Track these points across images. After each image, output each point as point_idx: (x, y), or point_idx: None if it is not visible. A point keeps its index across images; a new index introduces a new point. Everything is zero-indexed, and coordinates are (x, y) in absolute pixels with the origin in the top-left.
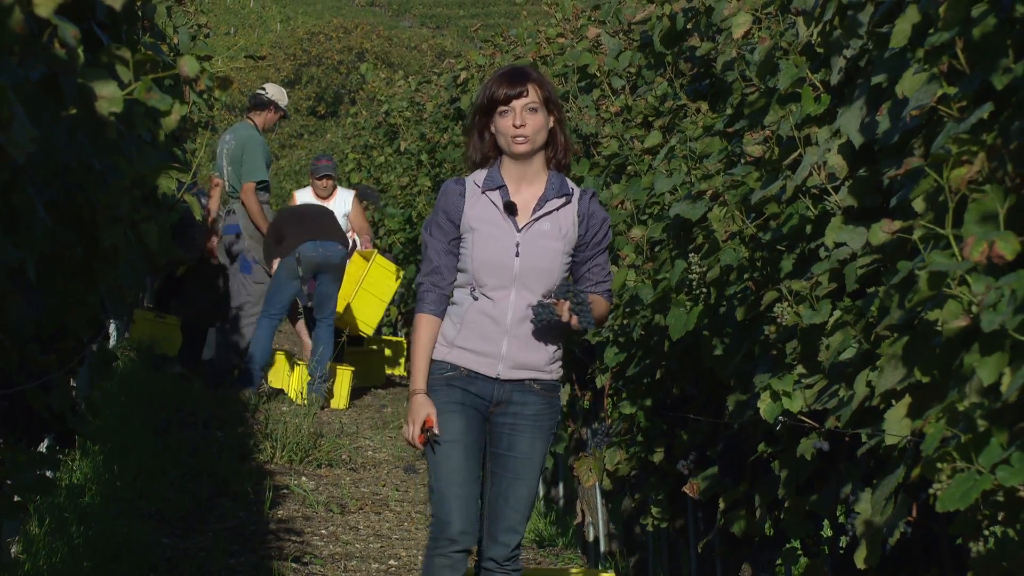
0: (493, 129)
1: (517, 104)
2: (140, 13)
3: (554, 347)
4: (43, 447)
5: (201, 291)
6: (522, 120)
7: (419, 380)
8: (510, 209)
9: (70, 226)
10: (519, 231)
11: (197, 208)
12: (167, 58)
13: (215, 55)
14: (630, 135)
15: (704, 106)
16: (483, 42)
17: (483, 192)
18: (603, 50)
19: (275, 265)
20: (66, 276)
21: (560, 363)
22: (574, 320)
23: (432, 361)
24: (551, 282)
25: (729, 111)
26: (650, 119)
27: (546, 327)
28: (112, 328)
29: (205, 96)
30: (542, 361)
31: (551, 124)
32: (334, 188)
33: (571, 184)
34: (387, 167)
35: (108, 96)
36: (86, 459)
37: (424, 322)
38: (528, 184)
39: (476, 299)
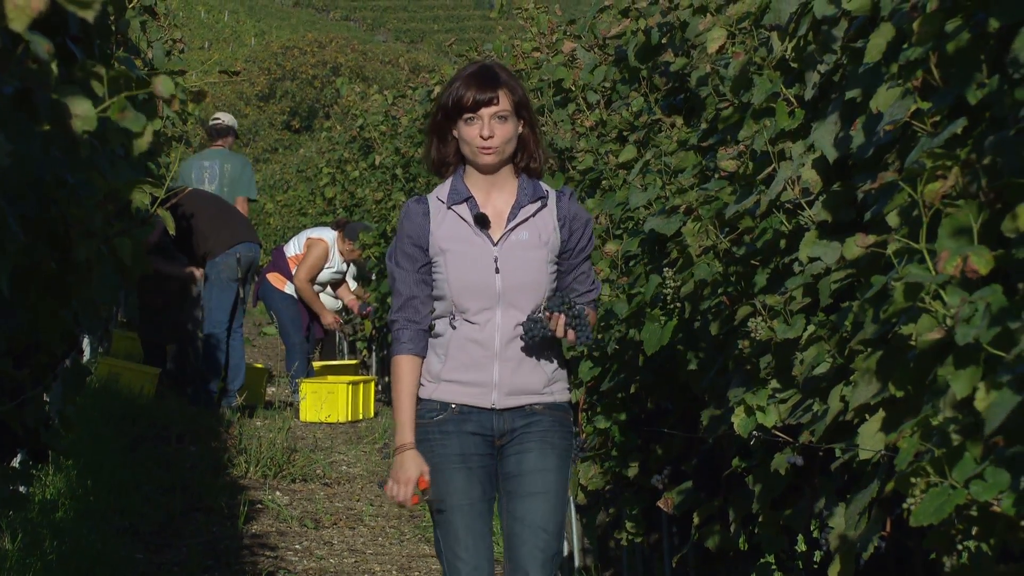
0: (456, 134)
1: (485, 112)
2: (114, 28)
3: (552, 366)
4: (16, 462)
5: (160, 308)
6: (490, 130)
7: (406, 432)
8: (481, 222)
9: (43, 240)
10: (495, 244)
11: (171, 222)
12: (141, 73)
13: (189, 70)
14: (605, 150)
15: (679, 121)
16: (458, 56)
17: (449, 207)
18: (578, 64)
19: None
20: (39, 291)
21: (564, 384)
22: (570, 335)
23: (419, 401)
24: (538, 296)
25: (703, 126)
26: (625, 133)
27: (539, 344)
28: (86, 343)
29: (178, 111)
30: (539, 383)
31: (521, 130)
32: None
33: (545, 186)
34: (362, 181)
35: (82, 114)
36: (59, 474)
37: (403, 364)
38: (498, 191)
39: (457, 327)
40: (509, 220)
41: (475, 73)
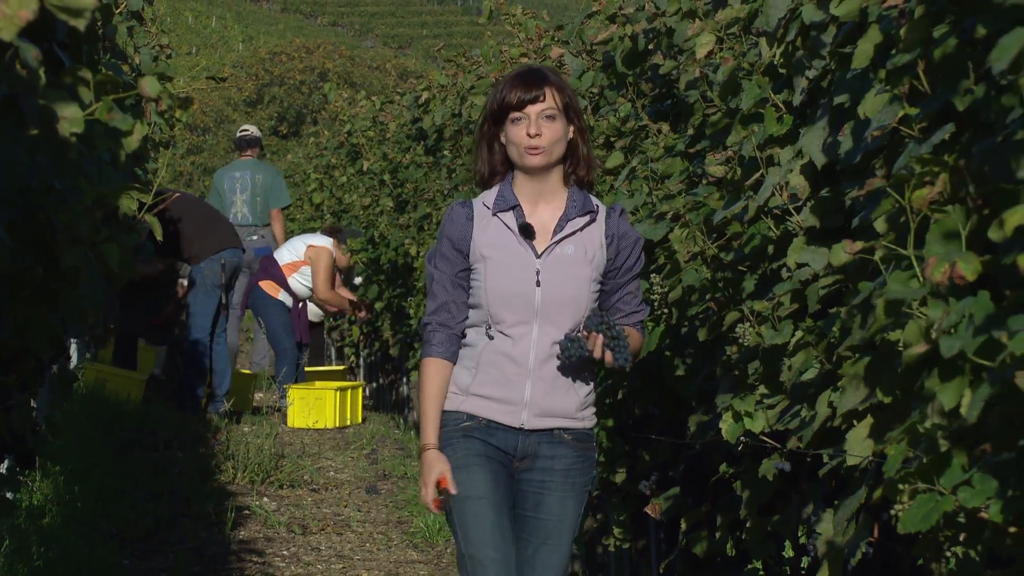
0: (504, 139)
1: (532, 110)
2: (101, 33)
3: (587, 389)
4: (3, 468)
5: (143, 308)
6: (537, 128)
7: (429, 433)
8: (526, 232)
9: (31, 247)
10: (538, 257)
11: (158, 228)
12: (129, 78)
13: (177, 75)
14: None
15: (665, 127)
16: (446, 62)
17: (494, 214)
18: (566, 70)
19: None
20: (27, 297)
21: (593, 408)
22: (608, 357)
23: (444, 412)
24: (578, 315)
25: (691, 132)
26: (612, 140)
27: (576, 365)
28: (73, 348)
29: (166, 116)
30: (572, 407)
31: (571, 135)
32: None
33: (595, 200)
34: (349, 187)
35: (70, 117)
36: (47, 480)
37: (432, 367)
38: (546, 202)
39: (492, 338)
40: (555, 232)
41: (521, 73)
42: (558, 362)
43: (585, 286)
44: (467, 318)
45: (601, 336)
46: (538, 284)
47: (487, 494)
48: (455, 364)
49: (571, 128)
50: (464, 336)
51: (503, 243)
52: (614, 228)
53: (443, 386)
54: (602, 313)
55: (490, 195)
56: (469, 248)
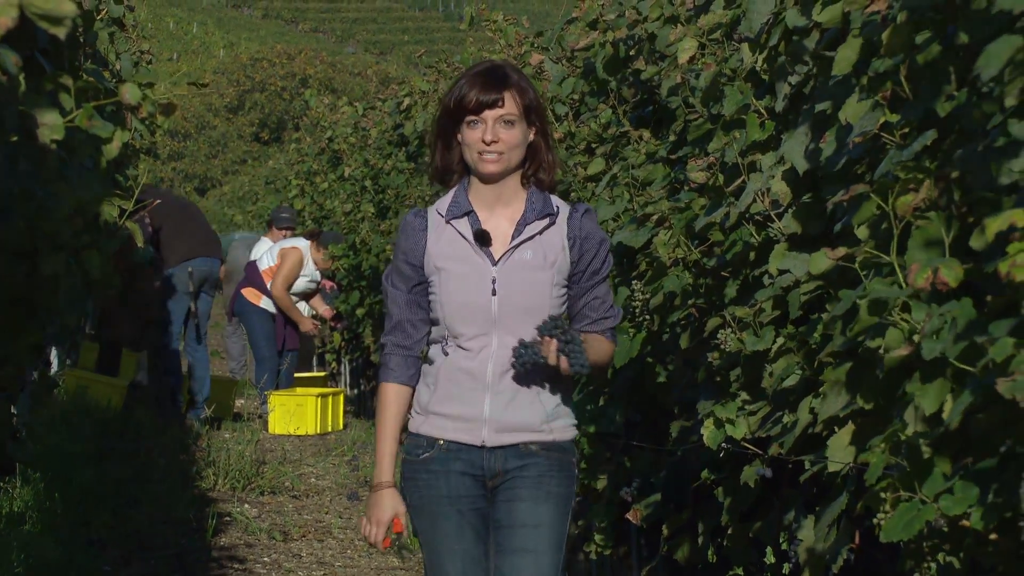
0: (460, 139)
1: (489, 115)
2: (82, 40)
3: (553, 400)
4: None
5: (126, 314)
6: (494, 135)
7: (385, 470)
8: (481, 239)
9: (11, 253)
10: (495, 264)
11: (139, 235)
12: (109, 84)
13: (158, 81)
14: (573, 162)
15: (647, 133)
16: (427, 68)
17: (447, 222)
18: (546, 76)
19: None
20: (6, 303)
21: (568, 421)
22: (563, 363)
23: (408, 435)
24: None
25: (672, 138)
26: (593, 146)
27: (530, 372)
28: (53, 355)
29: (147, 122)
30: (536, 420)
31: (531, 137)
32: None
33: (556, 201)
34: (330, 193)
35: (50, 124)
36: (27, 486)
37: (389, 393)
38: (503, 206)
39: (448, 354)
40: (513, 237)
41: (481, 72)
42: (514, 371)
43: (546, 292)
44: (428, 334)
45: (555, 341)
46: (494, 293)
47: (453, 545)
48: (415, 386)
49: (532, 131)
50: (426, 353)
51: (457, 253)
52: (576, 229)
53: (400, 415)
54: (557, 317)
55: (444, 201)
56: (423, 261)
